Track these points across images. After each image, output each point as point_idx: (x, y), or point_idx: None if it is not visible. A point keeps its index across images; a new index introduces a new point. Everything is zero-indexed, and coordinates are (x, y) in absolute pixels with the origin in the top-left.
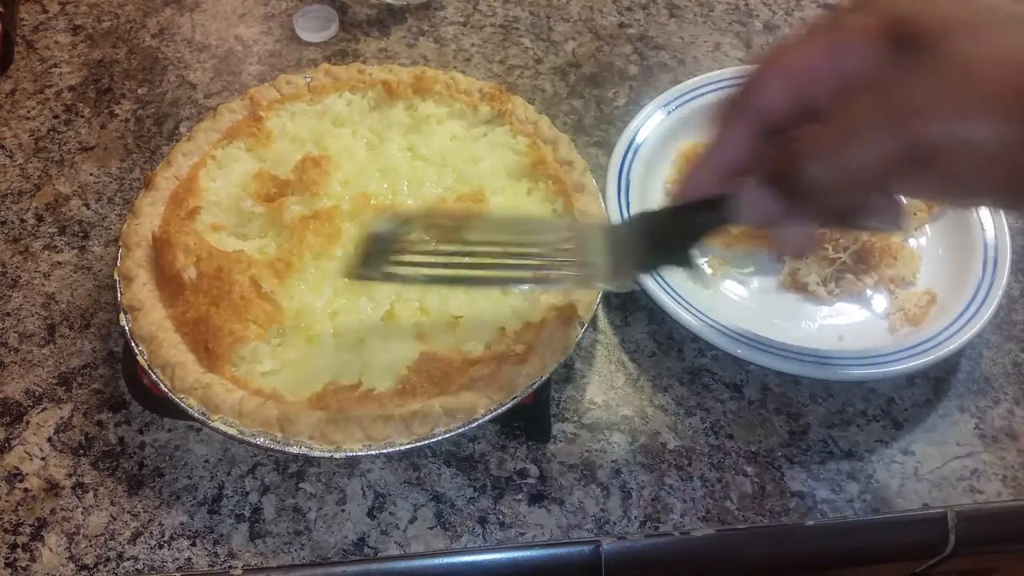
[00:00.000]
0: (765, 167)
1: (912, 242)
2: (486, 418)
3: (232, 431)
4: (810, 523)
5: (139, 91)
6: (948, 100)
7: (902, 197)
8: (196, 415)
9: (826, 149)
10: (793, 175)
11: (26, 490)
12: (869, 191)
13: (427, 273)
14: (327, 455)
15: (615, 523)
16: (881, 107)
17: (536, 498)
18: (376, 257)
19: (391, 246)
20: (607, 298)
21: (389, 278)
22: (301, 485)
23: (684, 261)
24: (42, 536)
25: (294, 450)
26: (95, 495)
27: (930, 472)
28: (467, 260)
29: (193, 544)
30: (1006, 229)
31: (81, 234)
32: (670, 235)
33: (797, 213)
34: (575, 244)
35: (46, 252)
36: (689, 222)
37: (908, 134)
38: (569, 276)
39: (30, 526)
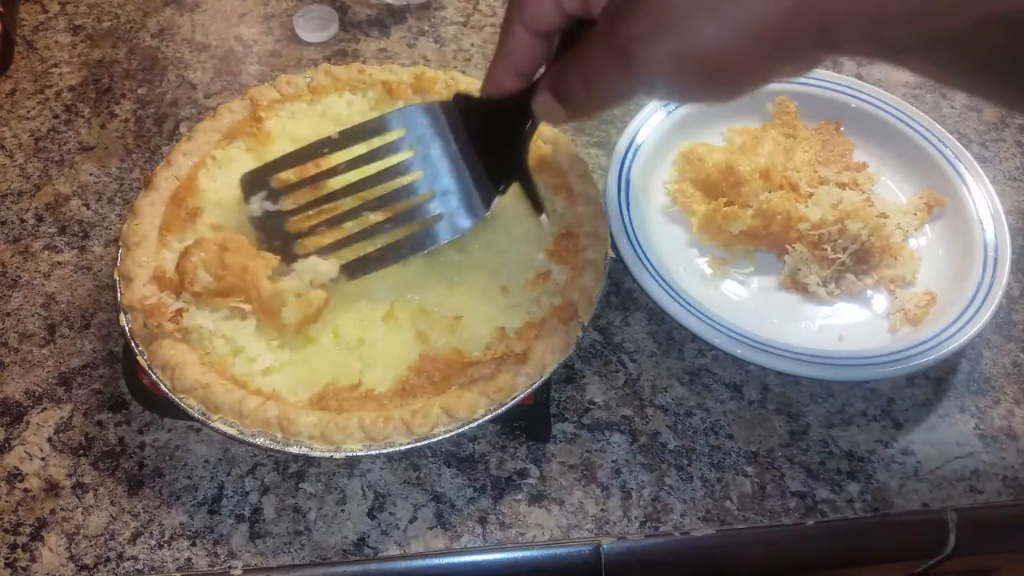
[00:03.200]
0: (548, 75)
1: (912, 242)
2: (486, 418)
3: (232, 431)
4: (810, 523)
5: (139, 91)
6: (654, 35)
7: None
8: (196, 415)
9: (579, 82)
10: (562, 94)
11: (26, 490)
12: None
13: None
14: (327, 455)
15: (615, 523)
16: (608, 46)
17: (536, 498)
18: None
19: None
20: (607, 298)
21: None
22: (301, 485)
23: (520, 169)
24: (42, 536)
25: (294, 450)
26: (95, 495)
27: (930, 472)
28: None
29: (193, 544)
30: (1006, 229)
31: (81, 234)
32: (493, 133)
33: (576, 116)
34: (424, 170)
35: (46, 252)
36: (504, 115)
37: (631, 66)
38: (438, 227)
39: (30, 526)
